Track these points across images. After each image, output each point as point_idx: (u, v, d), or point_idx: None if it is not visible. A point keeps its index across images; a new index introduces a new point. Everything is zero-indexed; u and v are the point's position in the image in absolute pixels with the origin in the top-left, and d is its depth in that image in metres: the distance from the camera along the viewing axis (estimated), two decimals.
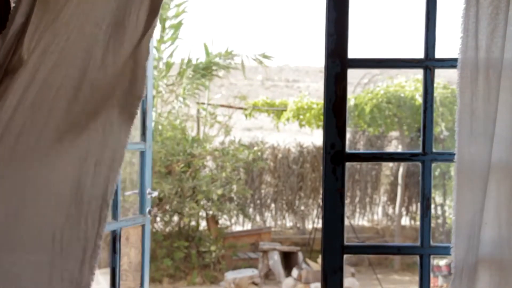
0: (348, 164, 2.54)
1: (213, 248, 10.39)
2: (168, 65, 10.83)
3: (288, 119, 12.33)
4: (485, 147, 2.35)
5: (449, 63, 2.52)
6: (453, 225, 2.38)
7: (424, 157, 2.52)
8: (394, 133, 12.82)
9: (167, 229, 10.69)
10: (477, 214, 2.36)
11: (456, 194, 2.39)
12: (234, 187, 11.05)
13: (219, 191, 10.43)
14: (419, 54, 2.54)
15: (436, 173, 11.26)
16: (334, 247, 2.49)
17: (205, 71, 10.82)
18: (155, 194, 3.93)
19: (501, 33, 2.33)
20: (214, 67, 10.90)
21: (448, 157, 2.66)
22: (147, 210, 3.88)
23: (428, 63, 2.50)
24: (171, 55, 10.94)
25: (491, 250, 2.35)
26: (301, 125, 12.29)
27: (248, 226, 12.41)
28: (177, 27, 10.79)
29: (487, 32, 2.33)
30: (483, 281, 2.35)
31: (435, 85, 2.59)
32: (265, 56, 11.37)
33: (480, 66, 2.34)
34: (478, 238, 2.35)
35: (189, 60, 10.96)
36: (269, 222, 12.83)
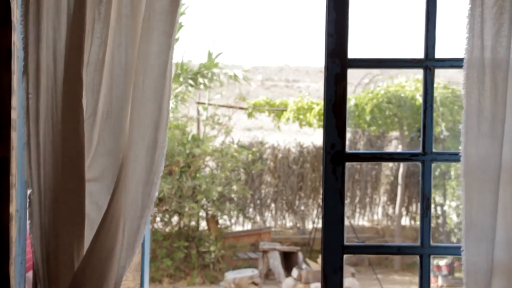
0: (348, 164, 2.54)
1: (213, 248, 10.39)
2: None
3: (288, 119, 12.34)
4: (494, 148, 2.32)
5: (449, 63, 2.51)
6: (463, 227, 2.35)
7: (424, 157, 2.52)
8: (394, 133, 12.83)
9: (167, 229, 10.69)
10: (488, 217, 2.32)
11: (465, 196, 2.34)
12: (234, 187, 11.06)
13: (219, 190, 10.44)
14: (419, 54, 2.54)
15: (436, 173, 11.26)
16: (334, 247, 2.49)
17: (192, 80, 10.83)
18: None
19: (506, 32, 2.32)
20: (199, 79, 10.90)
21: (448, 157, 2.66)
22: None
23: (428, 63, 2.50)
24: None
25: (503, 254, 2.31)
26: (301, 125, 12.30)
27: (248, 226, 12.42)
28: (177, 29, 10.77)
29: (492, 32, 2.32)
30: (497, 286, 2.31)
31: (435, 85, 2.58)
32: (236, 76, 11.28)
33: (486, 66, 2.33)
34: (492, 241, 2.33)
35: (183, 64, 10.94)
36: (269, 222, 12.83)
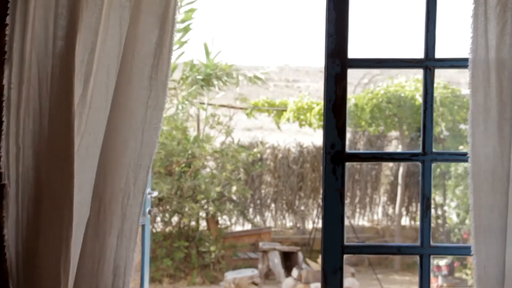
0: (348, 164, 2.54)
1: (213, 248, 10.39)
2: (173, 68, 10.81)
3: (288, 119, 12.34)
4: (501, 148, 2.30)
5: (449, 63, 2.52)
6: (472, 230, 2.31)
7: (424, 157, 2.52)
8: (394, 133, 12.83)
9: (167, 229, 10.69)
10: (498, 219, 2.29)
11: (473, 198, 2.30)
12: (234, 187, 11.06)
13: (219, 190, 10.44)
14: (419, 54, 2.54)
15: (436, 173, 11.26)
16: (334, 247, 2.49)
17: (204, 82, 10.82)
18: (155, 194, 3.92)
19: (510, 31, 2.30)
20: (212, 80, 10.91)
21: (448, 157, 2.66)
22: (147, 210, 3.87)
23: (428, 63, 2.50)
24: (178, 58, 10.91)
25: None
26: (301, 125, 12.30)
27: (248, 226, 12.42)
28: (185, 31, 10.74)
29: (496, 31, 2.31)
30: None
31: (435, 85, 2.58)
32: (256, 77, 11.36)
33: (491, 65, 2.31)
34: (502, 244, 2.28)
35: (193, 65, 10.93)
36: (269, 222, 12.83)
